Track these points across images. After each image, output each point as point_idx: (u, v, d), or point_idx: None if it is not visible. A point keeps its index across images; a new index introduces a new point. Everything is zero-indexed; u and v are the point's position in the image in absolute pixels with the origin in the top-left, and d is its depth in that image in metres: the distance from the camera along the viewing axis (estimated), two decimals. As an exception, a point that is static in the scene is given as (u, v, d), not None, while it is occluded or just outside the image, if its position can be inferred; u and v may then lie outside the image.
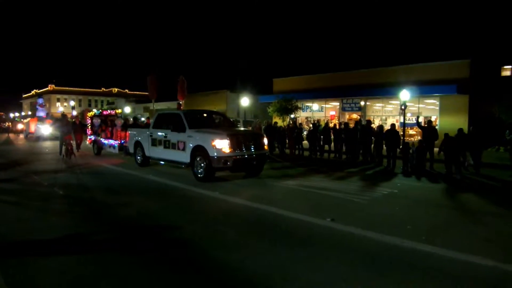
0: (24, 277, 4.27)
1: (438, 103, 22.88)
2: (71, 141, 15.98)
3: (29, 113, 71.34)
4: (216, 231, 6.05)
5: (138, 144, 13.63)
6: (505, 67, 26.76)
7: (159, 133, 12.28)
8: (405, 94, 18.33)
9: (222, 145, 9.94)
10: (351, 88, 26.16)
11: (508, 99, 21.20)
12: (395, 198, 8.61)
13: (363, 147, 16.02)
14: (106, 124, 18.66)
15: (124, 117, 20.85)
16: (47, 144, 25.78)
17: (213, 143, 9.95)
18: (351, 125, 18.14)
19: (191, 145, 10.62)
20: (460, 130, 12.80)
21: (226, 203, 8.09)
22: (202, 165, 10.25)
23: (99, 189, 9.56)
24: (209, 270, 4.46)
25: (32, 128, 34.04)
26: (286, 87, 29.86)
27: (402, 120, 19.74)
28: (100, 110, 20.36)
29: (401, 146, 14.18)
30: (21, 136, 37.82)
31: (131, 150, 14.27)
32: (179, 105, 24.28)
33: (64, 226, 6.14)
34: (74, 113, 52.15)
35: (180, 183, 10.20)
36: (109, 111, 19.69)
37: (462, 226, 6.45)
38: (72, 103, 63.26)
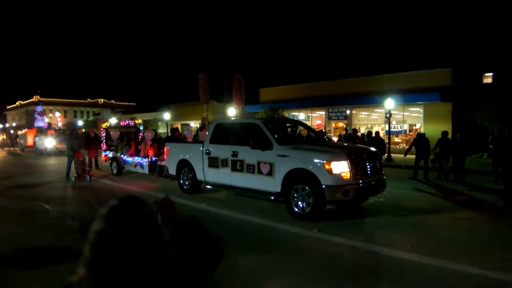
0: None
1: (422, 110, 23.19)
2: (84, 159, 13.16)
3: (14, 124, 70.15)
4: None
5: (184, 164, 10.54)
6: (487, 74, 27.25)
7: (224, 150, 9.20)
8: (389, 103, 18.62)
9: (341, 168, 7.16)
10: (336, 97, 26.37)
11: (490, 106, 21.58)
12: (382, 207, 8.64)
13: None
14: (128, 138, 15.48)
15: (153, 128, 17.54)
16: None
17: (329, 167, 7.14)
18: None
19: (284, 168, 7.77)
20: (445, 133, 13.03)
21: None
22: (306, 197, 7.38)
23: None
24: None
25: (30, 140, 29.91)
26: (272, 97, 29.99)
27: (387, 128, 19.95)
28: (117, 121, 17.21)
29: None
30: (17, 150, 33.26)
31: (172, 171, 11.12)
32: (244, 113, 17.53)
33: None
34: (60, 124, 50.95)
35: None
36: (127, 121, 16.32)
37: (447, 234, 6.50)
38: (58, 114, 62.52)
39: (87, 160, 14.72)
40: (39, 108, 38.19)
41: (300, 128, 11.76)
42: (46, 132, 28.92)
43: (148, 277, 1.23)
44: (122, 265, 1.21)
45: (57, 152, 24.64)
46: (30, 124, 37.24)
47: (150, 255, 1.26)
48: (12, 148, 35.51)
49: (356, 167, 7.34)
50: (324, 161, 7.22)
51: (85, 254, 1.23)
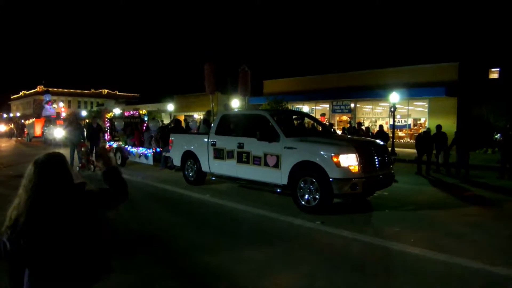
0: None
1: (427, 105, 23.06)
2: (88, 149, 13.55)
3: (18, 114, 70.27)
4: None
5: (189, 155, 10.44)
6: (493, 70, 27.01)
7: (230, 142, 9.11)
8: (394, 97, 18.49)
9: (350, 161, 7.02)
10: (341, 90, 26.24)
11: (496, 102, 21.44)
12: (385, 201, 8.62)
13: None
14: (133, 128, 15.62)
15: (158, 119, 17.36)
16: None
17: (337, 159, 7.00)
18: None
19: (291, 160, 7.66)
20: (439, 127, 12.94)
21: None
22: (313, 190, 7.29)
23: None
24: None
25: (38, 130, 29.37)
26: (276, 89, 29.87)
27: (391, 122, 19.86)
28: (121, 111, 17.28)
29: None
30: (24, 139, 32.42)
31: (177, 162, 11.13)
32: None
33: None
34: (64, 114, 50.76)
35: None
36: (132, 112, 16.38)
37: (450, 228, 6.47)
38: (61, 104, 62.52)
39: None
40: (47, 98, 36.26)
41: (307, 120, 11.69)
42: (55, 121, 27.80)
43: (63, 200, 2.09)
44: (45, 191, 2.07)
45: (66, 143, 24.05)
46: (37, 114, 35.88)
47: (62, 186, 2.13)
48: (19, 138, 34.38)
49: (364, 160, 7.19)
50: (332, 154, 7.09)
51: (24, 183, 2.13)
